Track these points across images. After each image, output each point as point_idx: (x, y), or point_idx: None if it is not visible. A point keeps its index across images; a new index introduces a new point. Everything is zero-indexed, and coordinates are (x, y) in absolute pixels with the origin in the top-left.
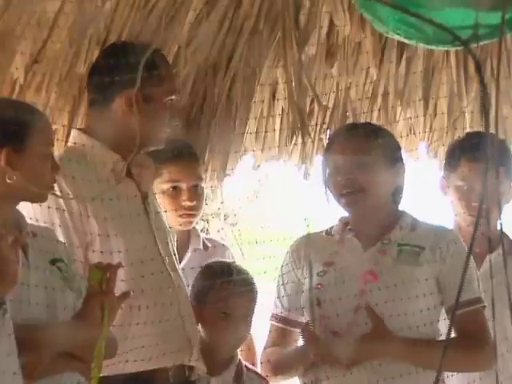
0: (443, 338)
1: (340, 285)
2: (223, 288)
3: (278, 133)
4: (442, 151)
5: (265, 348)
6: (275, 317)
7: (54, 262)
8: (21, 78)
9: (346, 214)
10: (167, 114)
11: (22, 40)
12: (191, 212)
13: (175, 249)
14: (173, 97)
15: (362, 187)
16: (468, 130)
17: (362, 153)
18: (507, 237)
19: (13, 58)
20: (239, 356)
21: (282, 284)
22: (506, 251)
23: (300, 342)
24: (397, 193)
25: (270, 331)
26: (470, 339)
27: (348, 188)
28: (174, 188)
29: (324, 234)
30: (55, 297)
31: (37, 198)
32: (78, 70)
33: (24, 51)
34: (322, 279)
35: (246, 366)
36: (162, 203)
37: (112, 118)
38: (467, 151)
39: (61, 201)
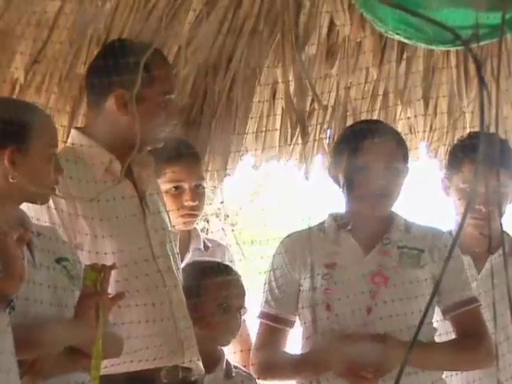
0: (440, 337)
1: (350, 289)
2: (222, 281)
3: (278, 133)
4: (442, 151)
5: (256, 347)
6: (267, 315)
7: (59, 261)
8: (21, 78)
9: (336, 209)
10: (162, 114)
11: (23, 40)
12: (193, 212)
13: (177, 249)
14: (168, 96)
15: (389, 193)
16: (468, 130)
17: (391, 159)
18: (510, 237)
19: (13, 58)
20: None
21: (276, 284)
22: (508, 252)
23: (291, 343)
24: None
25: (260, 330)
26: (470, 338)
27: (377, 191)
28: (176, 188)
29: (317, 231)
30: (62, 295)
31: (39, 199)
32: (78, 70)
33: (24, 51)
34: (328, 283)
35: (233, 364)
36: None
37: (106, 118)
38: (470, 153)
39: (59, 200)
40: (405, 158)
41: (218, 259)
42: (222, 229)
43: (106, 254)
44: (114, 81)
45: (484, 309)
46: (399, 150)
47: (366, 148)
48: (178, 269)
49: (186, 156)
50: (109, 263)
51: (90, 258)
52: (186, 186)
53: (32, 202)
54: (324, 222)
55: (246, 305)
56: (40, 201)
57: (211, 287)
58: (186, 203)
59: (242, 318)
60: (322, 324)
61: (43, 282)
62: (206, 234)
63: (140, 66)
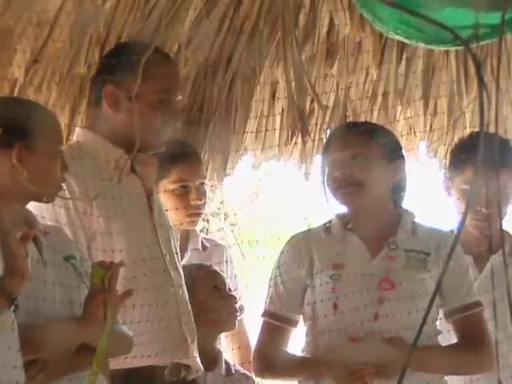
0: (441, 336)
1: (357, 292)
2: (211, 269)
3: (277, 132)
4: (442, 151)
5: (258, 346)
6: (270, 313)
7: (67, 259)
8: (21, 76)
9: (343, 210)
10: (157, 113)
11: (23, 38)
12: (199, 211)
13: (178, 247)
14: (163, 96)
15: (358, 181)
16: (468, 130)
17: (357, 148)
18: (511, 237)
19: (14, 56)
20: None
21: (282, 282)
22: (508, 252)
23: (293, 341)
24: (396, 191)
25: (263, 329)
26: (471, 343)
27: (343, 182)
28: (183, 187)
29: (323, 231)
30: (72, 293)
31: (45, 198)
32: (78, 69)
33: (25, 50)
34: (336, 282)
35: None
36: (168, 203)
37: (105, 115)
38: (472, 154)
39: (72, 195)
40: (378, 147)
41: (216, 259)
42: (222, 228)
43: (121, 251)
44: (106, 78)
45: (485, 308)
46: (370, 144)
47: (329, 144)
48: (181, 267)
49: (189, 155)
50: (122, 259)
51: (105, 255)
52: (191, 185)
53: (39, 201)
54: (329, 222)
55: (245, 305)
56: (47, 199)
57: (203, 273)
58: (192, 202)
59: (240, 316)
60: (328, 322)
61: (53, 280)
62: (206, 233)
63: (132, 64)
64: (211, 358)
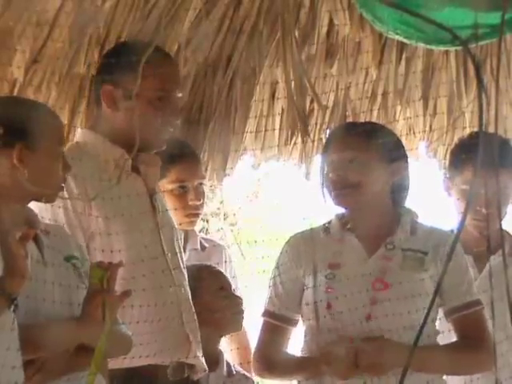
0: (441, 336)
1: (351, 292)
2: (217, 270)
3: (277, 132)
4: (442, 151)
5: (258, 346)
6: (271, 314)
7: (68, 259)
8: (21, 76)
9: (342, 210)
10: (156, 112)
11: (23, 38)
12: (197, 211)
13: (181, 247)
14: (161, 94)
15: (352, 184)
16: (468, 129)
17: (354, 150)
18: (511, 237)
19: (13, 56)
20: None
21: (281, 282)
22: (508, 252)
23: (294, 341)
24: (397, 191)
25: (263, 329)
26: (471, 342)
27: (338, 184)
28: (181, 187)
29: (322, 231)
30: (72, 293)
31: (46, 198)
32: (77, 69)
33: (25, 50)
34: (331, 283)
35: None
36: (166, 203)
37: (105, 115)
38: (472, 154)
39: (71, 196)
40: (376, 148)
41: (215, 259)
42: (221, 229)
43: (120, 251)
44: (104, 78)
45: (485, 308)
46: (368, 145)
47: (327, 145)
48: (184, 267)
49: (188, 155)
50: (121, 259)
51: (107, 255)
52: (190, 185)
53: (39, 201)
54: (328, 222)
55: (245, 305)
56: (47, 200)
57: (208, 273)
58: (191, 202)
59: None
60: (323, 322)
61: (53, 280)
62: (206, 234)
63: (130, 63)
64: (213, 359)
